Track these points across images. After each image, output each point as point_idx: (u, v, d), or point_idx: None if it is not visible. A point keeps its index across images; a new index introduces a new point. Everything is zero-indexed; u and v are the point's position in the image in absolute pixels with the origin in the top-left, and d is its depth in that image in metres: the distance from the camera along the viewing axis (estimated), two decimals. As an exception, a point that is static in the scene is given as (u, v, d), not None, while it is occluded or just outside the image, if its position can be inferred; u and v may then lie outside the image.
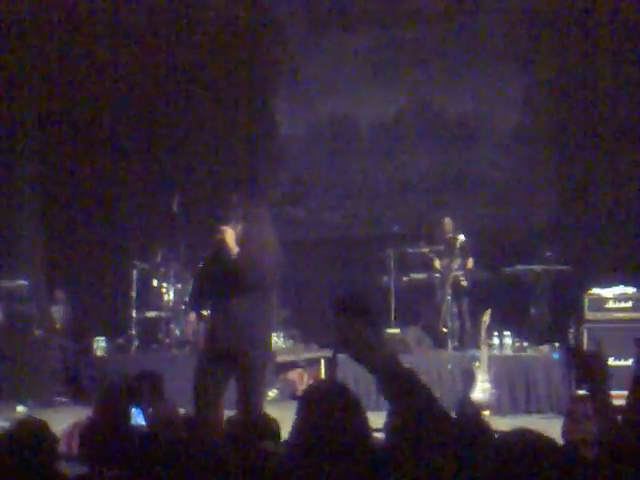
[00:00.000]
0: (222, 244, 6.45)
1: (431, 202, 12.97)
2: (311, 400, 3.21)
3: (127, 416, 3.97)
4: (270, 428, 4.38)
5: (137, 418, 4.30)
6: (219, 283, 6.49)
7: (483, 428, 3.54)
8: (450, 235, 11.32)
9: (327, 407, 3.15)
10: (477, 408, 9.19)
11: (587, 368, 4.23)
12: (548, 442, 3.06)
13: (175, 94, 13.69)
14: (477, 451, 3.25)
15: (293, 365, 11.67)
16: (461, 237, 10.91)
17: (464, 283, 11.22)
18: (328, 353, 11.76)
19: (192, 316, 6.88)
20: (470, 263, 11.37)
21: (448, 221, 11.68)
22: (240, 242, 6.44)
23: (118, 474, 3.56)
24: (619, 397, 4.19)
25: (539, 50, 12.58)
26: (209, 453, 3.27)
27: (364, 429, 3.15)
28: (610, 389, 4.16)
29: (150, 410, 4.38)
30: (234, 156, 13.63)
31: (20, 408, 10.36)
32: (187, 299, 10.60)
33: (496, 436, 3.48)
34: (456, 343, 11.00)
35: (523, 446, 3.03)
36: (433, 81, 13.31)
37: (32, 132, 13.10)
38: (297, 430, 3.18)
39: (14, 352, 11.25)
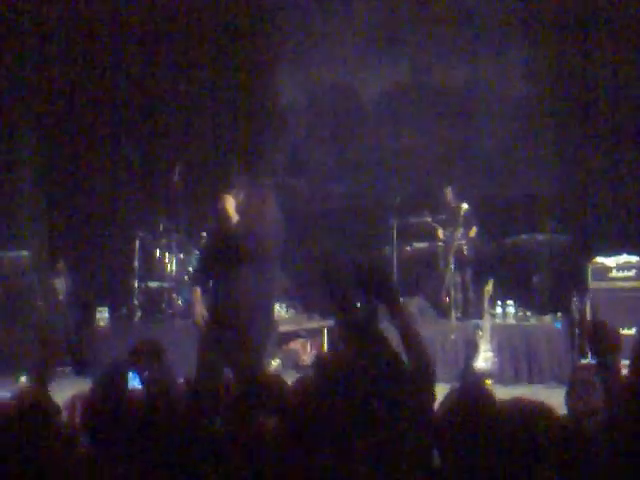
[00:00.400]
0: (222, 212, 6.41)
1: (433, 172, 12.93)
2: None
3: (126, 384, 3.94)
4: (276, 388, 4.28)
5: (133, 381, 4.28)
6: (220, 252, 6.48)
7: (486, 396, 3.52)
8: (453, 204, 11.28)
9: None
10: (480, 376, 9.21)
11: (596, 339, 4.21)
12: (546, 411, 3.05)
13: (174, 63, 13.60)
14: (479, 419, 3.24)
15: (295, 335, 11.67)
16: (464, 206, 10.87)
17: (467, 252, 11.18)
18: (330, 323, 11.79)
19: (198, 293, 6.81)
20: (473, 232, 11.34)
21: (449, 190, 11.64)
22: (241, 211, 6.41)
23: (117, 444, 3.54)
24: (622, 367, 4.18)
25: (540, 20, 12.49)
26: (206, 424, 3.26)
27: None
28: (619, 361, 4.14)
29: (147, 373, 4.35)
30: (235, 126, 13.57)
31: (23, 379, 10.37)
32: (191, 272, 10.56)
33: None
34: (459, 313, 10.99)
35: (520, 415, 3.02)
36: (434, 52, 13.23)
37: (32, 105, 13.04)
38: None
39: (16, 323, 11.26)
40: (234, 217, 6.37)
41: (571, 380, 5.07)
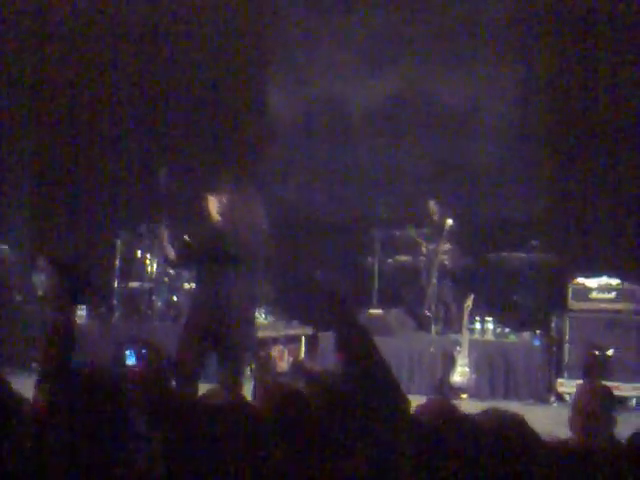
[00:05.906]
0: (205, 212, 6.44)
1: (419, 187, 12.90)
2: None
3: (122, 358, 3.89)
4: None
5: (129, 360, 4.32)
6: (202, 252, 6.49)
7: (451, 410, 3.46)
8: (437, 218, 11.28)
9: None
10: (454, 391, 9.23)
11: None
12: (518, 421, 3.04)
13: (164, 66, 13.54)
14: (445, 433, 3.20)
15: (273, 342, 11.63)
16: (449, 221, 10.88)
17: (449, 267, 11.19)
18: (309, 330, 11.77)
19: (164, 233, 6.84)
20: (455, 248, 11.34)
21: (432, 204, 11.65)
22: (223, 213, 6.41)
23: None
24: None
25: (538, 43, 12.50)
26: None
27: None
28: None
29: (143, 352, 4.38)
30: (223, 131, 13.52)
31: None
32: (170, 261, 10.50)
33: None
34: (438, 327, 10.98)
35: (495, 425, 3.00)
36: (428, 68, 13.22)
37: (26, 101, 13.00)
38: None
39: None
40: (215, 218, 6.39)
41: (574, 403, 4.85)
